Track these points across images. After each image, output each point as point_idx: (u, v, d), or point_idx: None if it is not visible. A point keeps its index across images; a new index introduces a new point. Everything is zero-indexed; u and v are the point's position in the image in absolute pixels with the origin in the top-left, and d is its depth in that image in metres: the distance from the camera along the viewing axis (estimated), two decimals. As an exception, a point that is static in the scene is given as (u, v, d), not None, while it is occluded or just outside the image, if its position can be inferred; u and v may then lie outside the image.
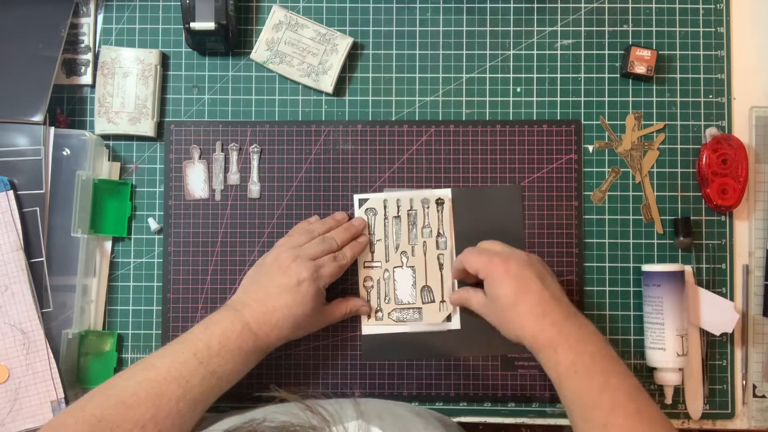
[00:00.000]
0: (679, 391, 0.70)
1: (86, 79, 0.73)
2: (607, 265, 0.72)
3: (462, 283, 0.70)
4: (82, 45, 0.73)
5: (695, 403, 0.70)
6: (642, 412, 0.55)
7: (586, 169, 0.72)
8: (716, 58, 0.73)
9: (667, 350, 0.67)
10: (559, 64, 0.73)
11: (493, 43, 0.73)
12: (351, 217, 0.71)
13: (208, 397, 0.58)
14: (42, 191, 0.68)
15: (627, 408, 0.54)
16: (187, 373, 0.57)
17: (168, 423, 0.55)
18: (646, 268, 0.69)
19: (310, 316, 0.63)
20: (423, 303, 0.70)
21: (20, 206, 0.67)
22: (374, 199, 0.71)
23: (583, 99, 0.73)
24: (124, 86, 0.71)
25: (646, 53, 0.71)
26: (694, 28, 0.73)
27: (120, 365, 0.71)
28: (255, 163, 0.72)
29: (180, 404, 0.56)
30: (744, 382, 0.71)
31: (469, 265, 0.64)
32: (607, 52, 0.73)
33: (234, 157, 0.72)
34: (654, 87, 0.73)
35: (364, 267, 0.71)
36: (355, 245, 0.68)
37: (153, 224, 0.72)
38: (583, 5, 0.73)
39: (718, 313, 0.69)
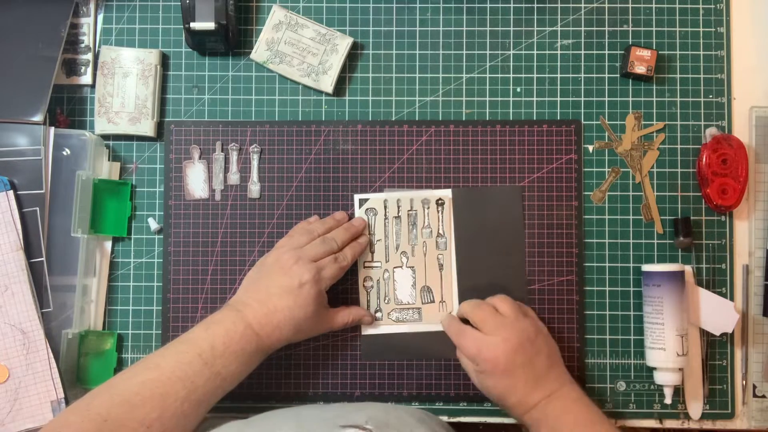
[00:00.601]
0: (679, 391, 0.70)
1: (86, 79, 0.73)
2: (607, 265, 0.72)
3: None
4: (82, 45, 0.73)
5: (695, 403, 0.70)
6: None
7: (586, 169, 0.72)
8: (716, 58, 0.73)
9: (667, 350, 0.67)
10: (559, 64, 0.73)
11: (493, 43, 0.73)
12: (351, 217, 0.71)
13: (211, 397, 0.58)
14: (42, 191, 0.68)
15: None
16: (192, 373, 0.57)
17: (173, 423, 0.55)
18: (646, 268, 0.69)
19: (311, 319, 0.63)
20: (423, 303, 0.70)
21: (20, 206, 0.67)
22: (374, 199, 0.71)
23: (583, 99, 0.73)
24: (124, 86, 0.71)
25: (646, 53, 0.71)
26: (694, 28, 0.73)
27: (120, 365, 0.71)
28: (255, 163, 0.72)
29: (185, 405, 0.56)
30: (744, 382, 0.71)
31: (463, 349, 0.66)
32: (607, 52, 0.73)
33: (234, 157, 0.72)
34: (654, 87, 0.73)
35: (364, 267, 0.71)
36: (356, 246, 0.68)
37: (153, 224, 0.72)
38: (583, 5, 0.73)
39: (718, 313, 0.69)
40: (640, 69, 0.71)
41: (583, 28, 0.73)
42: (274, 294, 0.62)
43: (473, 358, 0.64)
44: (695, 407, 0.70)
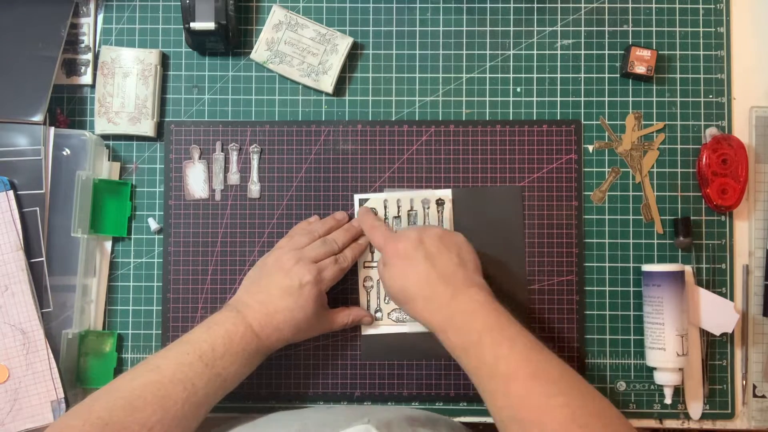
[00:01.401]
0: (679, 391, 0.70)
1: (86, 79, 0.73)
2: (607, 265, 0.72)
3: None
4: (82, 45, 0.73)
5: (695, 403, 0.70)
6: (538, 373, 0.54)
7: (586, 169, 0.72)
8: (716, 58, 0.73)
9: (667, 350, 0.67)
10: (559, 64, 0.73)
11: (493, 43, 0.73)
12: (351, 217, 0.71)
13: (212, 398, 0.58)
14: (42, 191, 0.68)
15: (521, 373, 0.54)
16: (193, 375, 0.57)
17: (174, 425, 0.55)
18: (646, 268, 0.69)
19: (312, 319, 0.63)
20: (423, 303, 0.70)
21: (20, 206, 0.67)
22: (374, 199, 0.71)
23: (583, 99, 0.73)
24: (124, 86, 0.71)
25: (646, 53, 0.71)
26: (694, 28, 0.73)
27: (120, 365, 0.71)
28: (255, 163, 0.72)
29: (185, 406, 0.56)
30: (744, 382, 0.71)
31: (373, 243, 0.66)
32: (607, 52, 0.73)
33: (234, 157, 0.72)
34: (654, 87, 0.73)
35: (364, 267, 0.71)
36: (356, 247, 0.68)
37: (153, 224, 0.72)
38: (583, 5, 0.73)
39: (718, 313, 0.69)
40: (640, 69, 0.71)
41: (583, 28, 0.73)
42: (274, 295, 0.62)
43: (380, 248, 0.64)
44: (695, 407, 0.70)
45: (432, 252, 0.61)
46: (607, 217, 0.72)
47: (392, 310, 0.70)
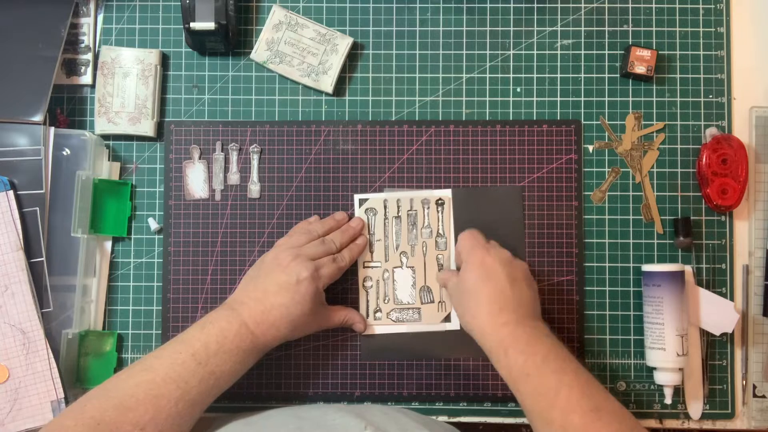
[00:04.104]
0: (679, 391, 0.70)
1: (86, 79, 0.73)
2: (607, 265, 0.72)
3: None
4: (82, 45, 0.73)
5: (695, 403, 0.70)
6: (600, 409, 0.54)
7: (586, 169, 0.72)
8: (716, 58, 0.73)
9: (667, 350, 0.67)
10: (559, 64, 0.73)
11: (493, 43, 0.73)
12: (351, 217, 0.71)
13: (206, 397, 0.58)
14: (42, 191, 0.68)
15: (583, 406, 0.54)
16: (186, 374, 0.57)
17: (167, 424, 0.55)
18: (646, 268, 0.69)
19: (308, 316, 0.63)
20: (422, 303, 0.70)
21: (20, 206, 0.67)
22: (374, 199, 0.71)
23: (583, 99, 0.73)
24: (124, 86, 0.71)
25: (646, 53, 0.71)
26: (694, 28, 0.73)
27: (120, 365, 0.71)
28: (255, 163, 0.72)
29: (179, 405, 0.56)
30: (744, 382, 0.71)
31: (461, 242, 0.67)
32: (607, 52, 0.73)
33: (234, 157, 0.72)
34: (654, 87, 0.73)
35: (364, 267, 0.71)
36: (354, 247, 0.69)
37: (153, 224, 0.72)
38: (583, 5, 0.73)
39: (718, 313, 0.69)
40: (640, 69, 0.71)
41: (583, 28, 0.73)
42: (271, 291, 0.62)
43: (467, 250, 0.65)
44: (695, 407, 0.70)
45: (515, 277, 0.63)
46: (607, 217, 0.72)
47: (392, 310, 0.70)
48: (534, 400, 0.56)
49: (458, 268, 0.68)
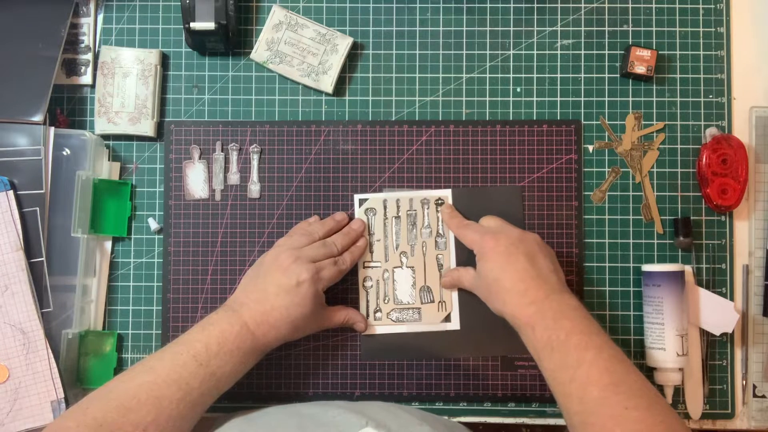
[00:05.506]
0: (679, 391, 0.70)
1: (86, 79, 0.73)
2: (607, 265, 0.72)
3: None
4: (82, 45, 0.73)
5: (695, 403, 0.70)
6: (619, 383, 0.54)
7: (586, 169, 0.72)
8: (716, 58, 0.73)
9: (667, 350, 0.67)
10: (559, 64, 0.73)
11: (493, 43, 0.73)
12: (351, 217, 0.71)
13: (207, 398, 0.58)
14: (42, 191, 0.68)
15: (602, 381, 0.54)
16: (187, 375, 0.57)
17: (169, 425, 0.55)
18: (646, 268, 0.69)
19: (308, 318, 0.63)
20: (422, 303, 0.70)
21: (20, 206, 0.67)
22: (374, 199, 0.71)
23: (583, 99, 0.73)
24: (124, 86, 0.71)
25: (646, 53, 0.71)
26: (694, 28, 0.73)
27: (120, 365, 0.71)
28: (255, 163, 0.72)
29: (180, 406, 0.56)
30: (744, 382, 0.71)
31: (465, 240, 0.67)
32: (607, 52, 0.73)
33: (234, 157, 0.72)
34: (654, 87, 0.73)
35: (364, 267, 0.71)
36: (355, 250, 0.69)
37: (153, 224, 0.72)
38: (583, 5, 0.73)
39: (718, 313, 0.69)
40: (640, 69, 0.71)
41: (583, 28, 0.73)
42: (271, 293, 0.62)
43: (474, 243, 0.65)
44: (695, 407, 0.70)
45: (532, 252, 0.63)
46: (607, 217, 0.72)
47: (392, 310, 0.70)
48: (556, 373, 0.57)
49: (458, 260, 0.68)
